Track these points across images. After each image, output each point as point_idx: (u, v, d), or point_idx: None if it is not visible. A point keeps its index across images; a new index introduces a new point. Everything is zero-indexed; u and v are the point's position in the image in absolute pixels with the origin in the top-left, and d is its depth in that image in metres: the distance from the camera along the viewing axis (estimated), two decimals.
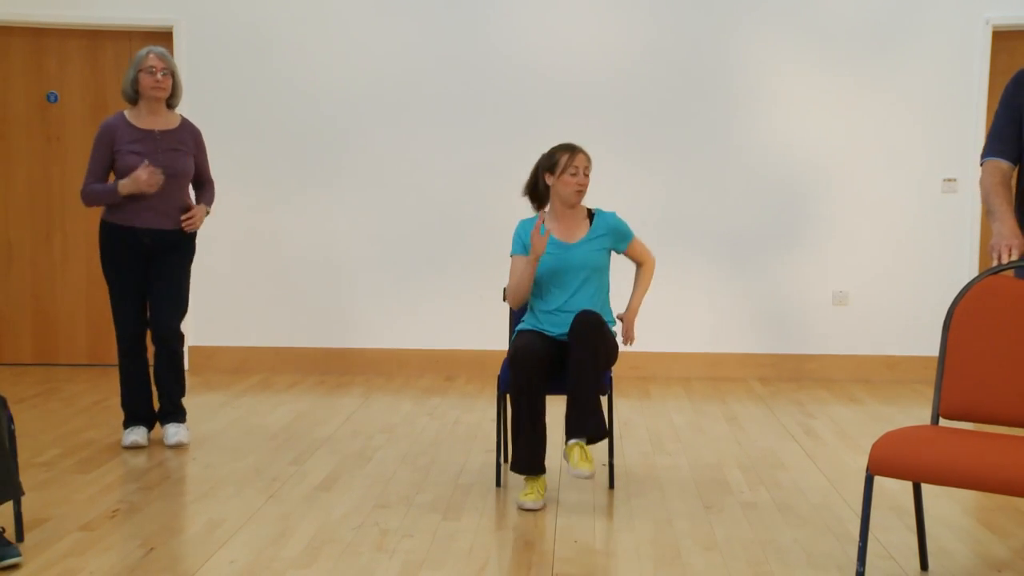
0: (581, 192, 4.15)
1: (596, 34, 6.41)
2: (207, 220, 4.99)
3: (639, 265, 4.37)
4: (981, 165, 3.63)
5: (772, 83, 6.39)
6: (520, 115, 6.44)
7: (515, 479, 4.26)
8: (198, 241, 4.95)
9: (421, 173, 6.51)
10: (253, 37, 6.48)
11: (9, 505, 3.57)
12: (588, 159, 4.17)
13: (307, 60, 6.48)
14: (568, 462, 3.85)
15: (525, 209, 4.48)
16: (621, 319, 4.30)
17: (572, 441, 3.87)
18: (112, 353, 6.59)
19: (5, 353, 6.70)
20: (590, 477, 3.82)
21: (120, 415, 4.97)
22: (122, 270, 4.67)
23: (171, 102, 4.71)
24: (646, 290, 4.36)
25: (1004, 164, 3.54)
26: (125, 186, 4.53)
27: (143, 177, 4.49)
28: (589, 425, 3.87)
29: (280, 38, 6.48)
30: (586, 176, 4.15)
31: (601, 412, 3.92)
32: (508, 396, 4.14)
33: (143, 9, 6.48)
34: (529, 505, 3.88)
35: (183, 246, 4.76)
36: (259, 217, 6.55)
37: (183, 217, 4.68)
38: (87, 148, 4.77)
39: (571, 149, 4.16)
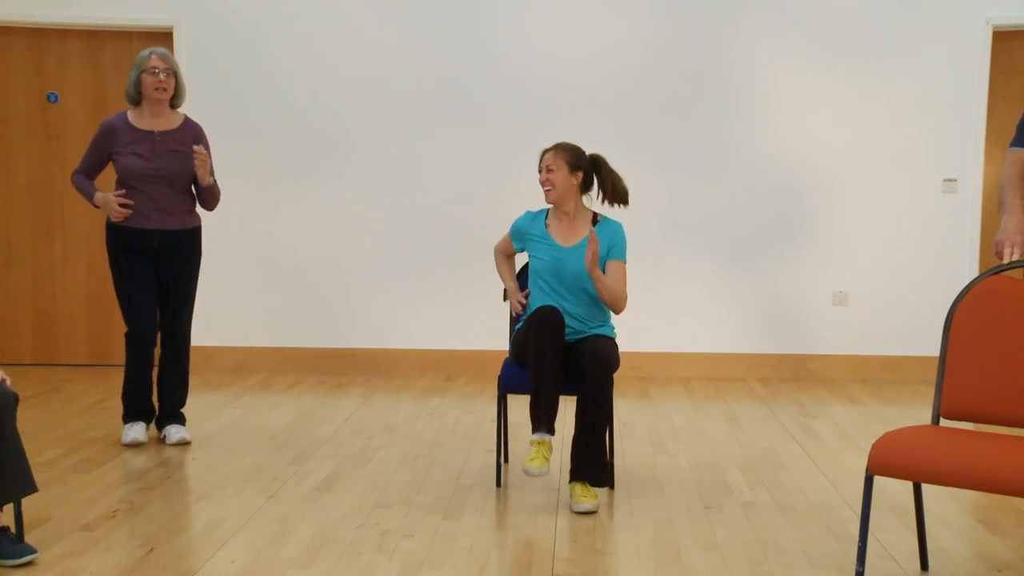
0: (547, 190, 4.13)
1: (598, 35, 6.41)
2: (207, 218, 4.98)
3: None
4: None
5: (772, 83, 6.39)
6: (522, 115, 6.44)
7: (515, 479, 4.26)
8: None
9: (422, 173, 6.51)
10: (253, 37, 6.48)
11: (10, 505, 3.57)
12: (555, 155, 4.12)
13: (307, 60, 6.48)
14: (571, 497, 3.91)
15: (524, 209, 4.48)
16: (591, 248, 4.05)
17: (576, 482, 3.92)
18: (112, 353, 6.59)
19: (5, 353, 6.70)
20: (594, 511, 3.86)
21: (120, 413, 4.97)
22: (132, 271, 4.67)
23: (174, 102, 4.72)
24: (604, 288, 4.04)
25: None
26: (99, 200, 4.63)
27: (113, 206, 4.57)
28: (596, 475, 3.93)
29: (280, 38, 6.48)
30: (550, 172, 4.11)
31: (606, 459, 3.97)
32: (508, 396, 4.16)
33: (143, 9, 6.48)
34: (534, 471, 3.81)
35: (190, 246, 4.77)
36: (259, 217, 6.55)
37: (196, 148, 4.59)
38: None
39: (544, 150, 4.19)
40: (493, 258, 4.51)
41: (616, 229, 4.19)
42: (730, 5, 6.36)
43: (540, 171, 4.16)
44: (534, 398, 3.91)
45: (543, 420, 3.88)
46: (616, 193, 4.19)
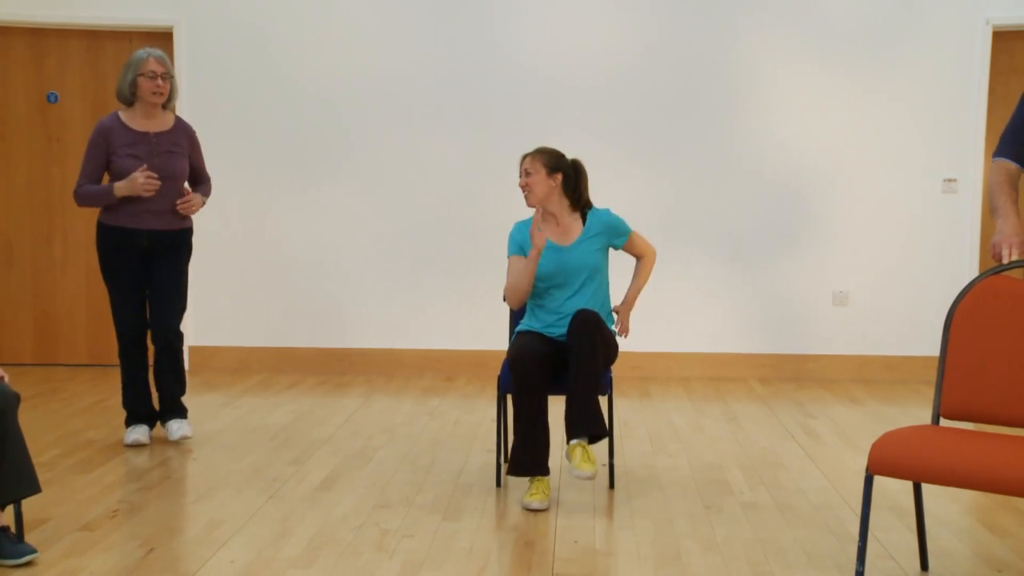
0: (526, 194, 4.16)
1: (597, 35, 6.41)
2: (208, 218, 4.99)
3: (639, 258, 4.36)
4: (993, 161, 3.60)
5: (772, 84, 6.39)
6: (521, 115, 6.44)
7: (515, 479, 4.25)
8: (198, 240, 4.94)
9: (421, 173, 6.51)
10: (253, 37, 6.48)
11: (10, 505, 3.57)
12: (533, 159, 4.15)
13: (307, 60, 6.48)
14: (570, 463, 3.85)
15: (524, 210, 4.49)
16: (616, 311, 4.30)
17: (573, 442, 3.86)
18: (112, 353, 6.57)
19: (5, 353, 6.70)
20: (592, 478, 3.82)
21: (121, 414, 4.99)
22: (121, 272, 4.67)
23: (166, 104, 4.71)
24: (644, 283, 4.35)
25: (1012, 165, 3.49)
26: (121, 188, 4.54)
27: (140, 180, 4.51)
28: (589, 425, 3.87)
29: (280, 38, 6.48)
30: (527, 176, 4.14)
31: (600, 411, 3.92)
32: (509, 397, 4.15)
33: (143, 9, 6.48)
34: (535, 506, 3.87)
35: (181, 246, 4.77)
36: (259, 217, 6.55)
37: (179, 201, 4.63)
38: None
39: (523, 156, 4.22)
40: (511, 288, 4.20)
41: (605, 215, 4.23)
42: (730, 5, 6.36)
43: (520, 176, 4.18)
44: (515, 444, 3.93)
45: (526, 467, 3.92)
46: (579, 202, 4.24)
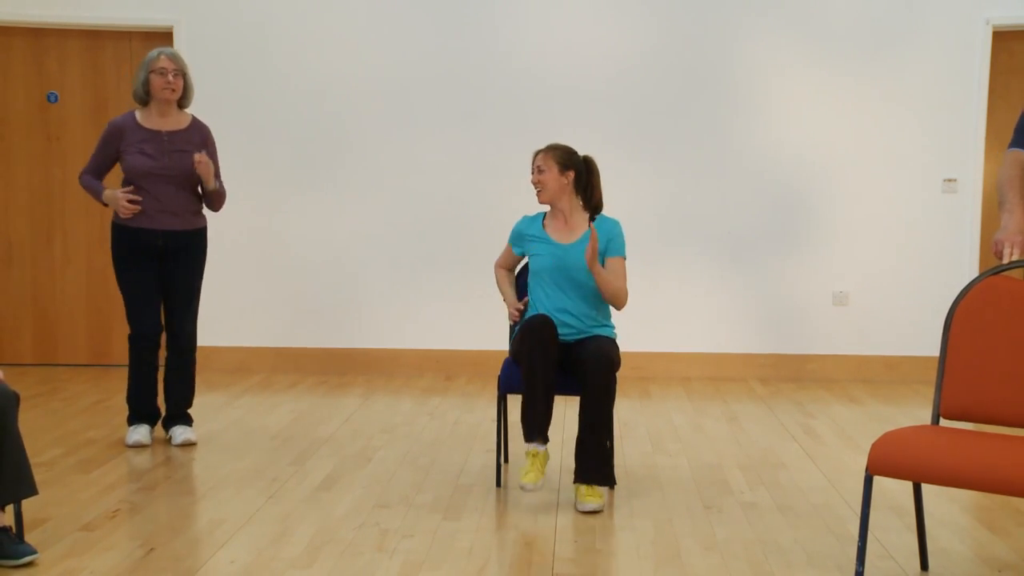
0: (538, 191, 4.17)
1: (597, 34, 6.41)
2: (207, 218, 4.98)
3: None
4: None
5: (773, 83, 6.39)
6: (522, 115, 6.44)
7: (515, 479, 4.26)
8: None
9: (422, 173, 6.51)
10: (254, 37, 6.48)
11: (10, 505, 3.57)
12: (545, 156, 4.15)
13: (308, 60, 6.48)
14: (576, 497, 3.92)
15: (525, 210, 4.49)
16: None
17: (580, 483, 3.92)
18: (112, 353, 6.59)
19: (5, 353, 6.70)
20: (599, 511, 3.87)
21: (121, 414, 4.98)
22: (136, 272, 4.66)
23: (182, 103, 4.71)
24: (606, 283, 4.05)
25: None
26: (107, 198, 4.61)
27: (121, 202, 4.55)
28: (598, 475, 3.93)
29: (281, 38, 6.48)
30: (540, 173, 4.14)
31: (610, 458, 3.98)
32: (507, 397, 4.16)
33: (143, 9, 6.48)
34: (529, 486, 3.83)
35: (195, 247, 4.77)
36: (260, 217, 6.55)
37: (198, 156, 4.58)
38: (87, 148, 4.80)
39: (536, 152, 4.22)
40: (494, 273, 4.47)
41: (613, 225, 4.19)
42: (731, 5, 6.36)
43: (532, 172, 4.19)
44: (525, 409, 3.93)
45: (536, 430, 3.91)
46: (591, 200, 4.23)
